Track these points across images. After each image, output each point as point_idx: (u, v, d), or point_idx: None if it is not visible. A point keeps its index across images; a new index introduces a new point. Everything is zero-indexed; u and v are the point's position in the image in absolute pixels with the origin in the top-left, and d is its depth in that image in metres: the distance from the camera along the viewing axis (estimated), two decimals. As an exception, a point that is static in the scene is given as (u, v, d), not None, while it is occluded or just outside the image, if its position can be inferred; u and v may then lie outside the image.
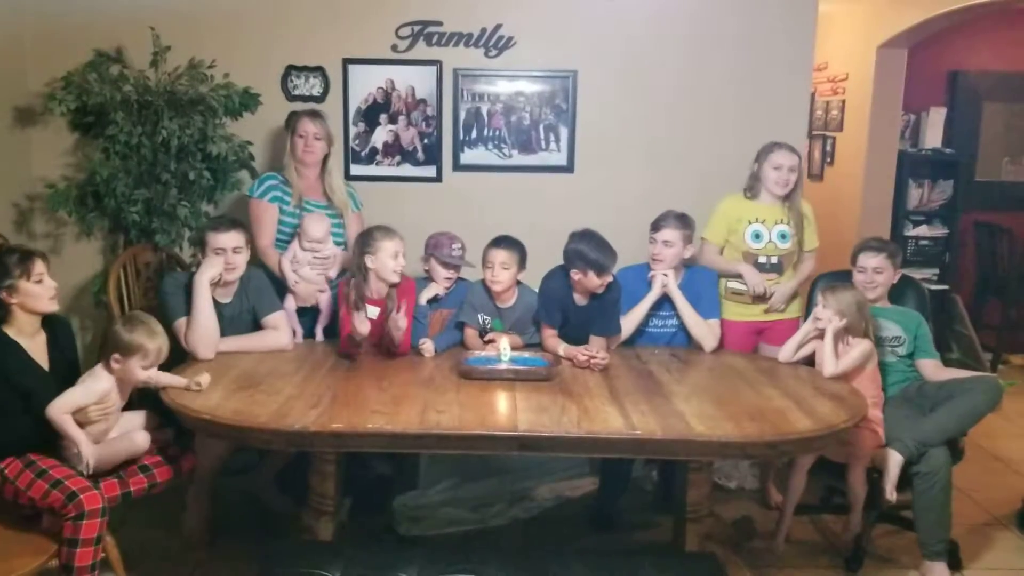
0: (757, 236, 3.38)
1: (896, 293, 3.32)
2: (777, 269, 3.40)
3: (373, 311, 3.02)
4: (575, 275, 3.04)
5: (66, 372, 2.58)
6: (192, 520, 3.05)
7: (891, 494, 2.88)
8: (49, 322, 2.58)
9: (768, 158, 3.38)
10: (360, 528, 3.14)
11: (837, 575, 3.08)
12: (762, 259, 3.39)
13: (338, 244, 3.31)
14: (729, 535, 3.23)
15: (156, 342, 2.56)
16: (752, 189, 3.43)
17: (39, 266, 2.48)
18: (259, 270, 3.15)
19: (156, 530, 3.07)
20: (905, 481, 2.89)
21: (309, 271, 3.20)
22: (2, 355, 2.43)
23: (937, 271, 5.67)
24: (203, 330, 2.85)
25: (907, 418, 2.98)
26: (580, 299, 3.13)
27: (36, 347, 2.52)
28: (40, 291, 2.48)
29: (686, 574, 2.24)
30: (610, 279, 3.05)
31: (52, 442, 2.47)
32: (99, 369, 2.58)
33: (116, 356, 2.54)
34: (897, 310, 3.25)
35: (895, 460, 2.85)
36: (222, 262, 2.90)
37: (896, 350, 3.17)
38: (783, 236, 3.38)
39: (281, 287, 3.18)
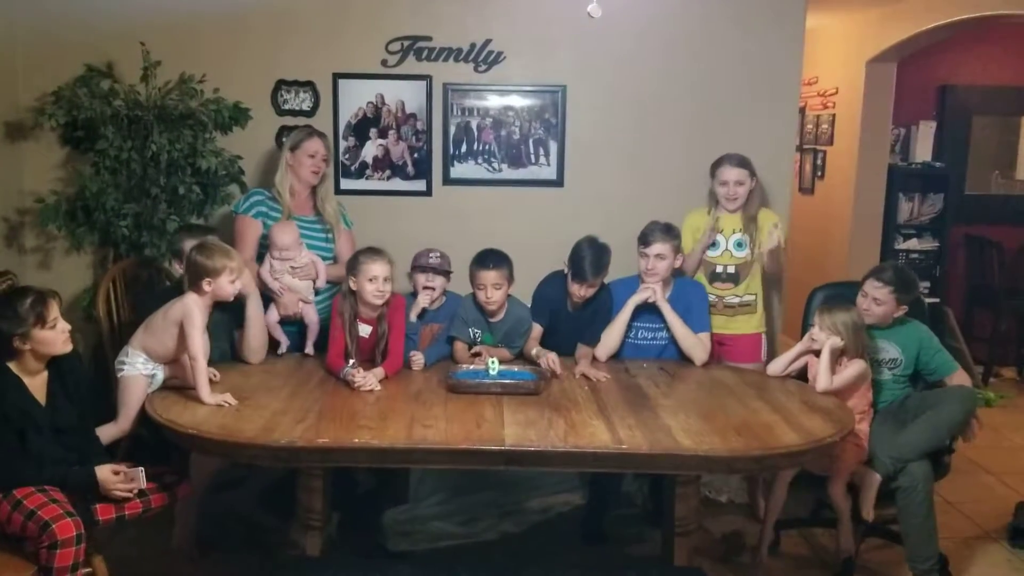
0: (714, 245, 3.46)
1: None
2: (734, 279, 3.45)
3: (365, 329, 3.01)
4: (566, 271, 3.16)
5: (65, 410, 2.50)
6: (180, 536, 3.04)
7: (868, 514, 2.88)
8: (56, 360, 2.50)
9: (716, 174, 3.46)
10: (348, 543, 3.14)
11: (826, 589, 3.09)
12: (719, 268, 3.46)
13: (326, 260, 3.29)
14: (718, 549, 3.23)
15: (236, 259, 2.81)
16: (712, 203, 3.51)
17: (53, 310, 2.41)
18: None
19: (145, 546, 3.05)
20: (891, 496, 2.88)
21: (291, 279, 3.17)
22: (2, 389, 2.38)
23: (928, 284, 5.68)
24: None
25: (888, 432, 2.95)
26: (572, 306, 3.15)
27: (36, 384, 2.46)
28: (54, 336, 2.42)
29: (672, 589, 2.24)
30: (588, 291, 3.12)
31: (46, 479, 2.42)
32: (188, 299, 2.72)
33: (207, 280, 2.72)
34: (896, 331, 3.14)
35: (873, 480, 2.84)
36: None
37: (893, 371, 3.13)
38: (739, 245, 3.44)
39: (265, 297, 3.15)
